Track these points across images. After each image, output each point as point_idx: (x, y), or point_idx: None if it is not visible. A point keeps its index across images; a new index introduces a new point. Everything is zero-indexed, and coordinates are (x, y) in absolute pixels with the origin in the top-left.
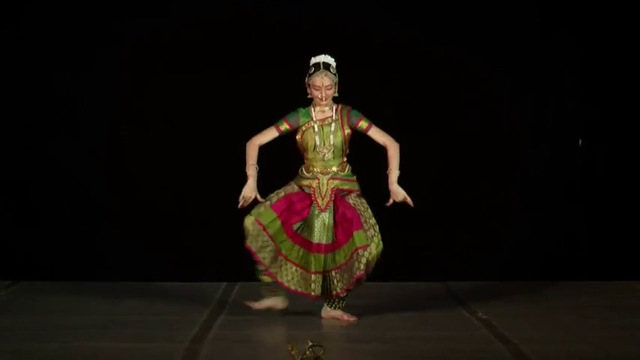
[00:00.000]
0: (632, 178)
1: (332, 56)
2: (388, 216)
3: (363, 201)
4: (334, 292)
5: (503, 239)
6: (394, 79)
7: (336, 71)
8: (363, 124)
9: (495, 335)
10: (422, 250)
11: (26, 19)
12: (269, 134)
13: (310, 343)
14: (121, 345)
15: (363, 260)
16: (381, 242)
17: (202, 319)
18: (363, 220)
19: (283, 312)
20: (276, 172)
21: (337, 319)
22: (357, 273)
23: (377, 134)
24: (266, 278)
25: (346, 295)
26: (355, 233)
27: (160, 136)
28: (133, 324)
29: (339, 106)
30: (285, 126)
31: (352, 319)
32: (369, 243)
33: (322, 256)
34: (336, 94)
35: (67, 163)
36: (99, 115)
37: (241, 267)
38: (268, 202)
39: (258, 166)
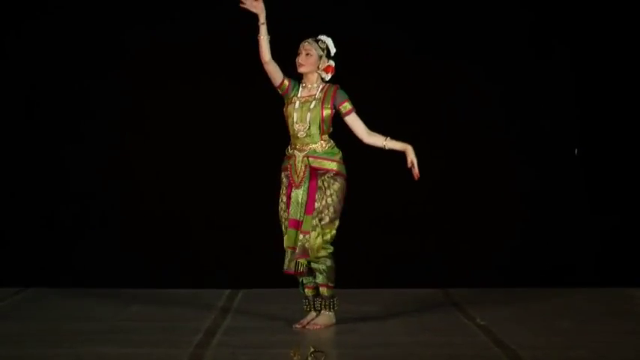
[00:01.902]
0: (626, 186)
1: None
2: (389, 223)
3: (336, 186)
4: (303, 270)
5: (502, 246)
6: (392, 87)
7: (328, 51)
8: (346, 105)
9: (494, 341)
10: (421, 257)
11: (32, 28)
12: (277, 72)
13: (312, 349)
14: (127, 350)
15: (300, 245)
16: (326, 234)
17: (206, 325)
18: (317, 206)
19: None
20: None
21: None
22: (296, 255)
23: (355, 122)
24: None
25: (333, 297)
26: (305, 217)
27: (165, 144)
28: (138, 330)
29: (327, 85)
30: (287, 83)
31: (317, 327)
32: (310, 230)
33: (295, 232)
34: (320, 72)
35: (74, 172)
36: (106, 124)
37: (244, 274)
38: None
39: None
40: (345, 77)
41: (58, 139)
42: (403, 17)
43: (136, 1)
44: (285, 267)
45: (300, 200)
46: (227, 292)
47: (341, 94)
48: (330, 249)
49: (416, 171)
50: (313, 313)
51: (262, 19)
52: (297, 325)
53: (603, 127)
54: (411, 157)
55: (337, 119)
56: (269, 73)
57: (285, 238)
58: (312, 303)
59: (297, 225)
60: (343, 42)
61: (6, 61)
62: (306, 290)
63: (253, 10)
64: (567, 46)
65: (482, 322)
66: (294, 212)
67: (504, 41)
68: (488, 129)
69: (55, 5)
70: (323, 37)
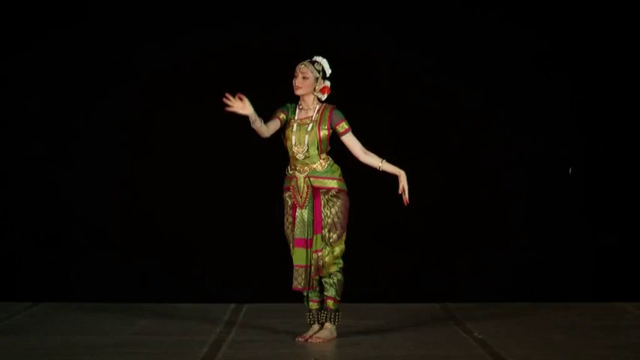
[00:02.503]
0: (619, 202)
1: (332, 79)
2: (389, 241)
3: (339, 203)
4: (312, 287)
5: (498, 263)
6: (390, 105)
7: (324, 72)
8: (343, 125)
9: (491, 354)
10: (420, 273)
11: (39, 49)
12: (273, 124)
13: None
14: None
15: (314, 263)
16: (335, 251)
17: (212, 338)
18: (323, 225)
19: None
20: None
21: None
22: (312, 274)
23: (352, 141)
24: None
25: (338, 311)
26: (314, 236)
27: (172, 162)
28: (146, 343)
29: (322, 106)
30: (282, 115)
31: (319, 340)
32: (321, 249)
33: (304, 250)
34: (317, 93)
35: (83, 192)
36: (112, 143)
37: (249, 288)
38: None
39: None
40: (342, 96)
41: (67, 159)
42: (401, 37)
43: (139, 22)
44: (296, 284)
45: (306, 220)
46: (232, 306)
47: (337, 115)
48: (341, 263)
49: (406, 197)
50: (316, 327)
51: (253, 116)
52: (300, 339)
53: (602, 145)
54: (403, 183)
55: (335, 137)
56: (272, 132)
57: (294, 257)
58: (315, 316)
59: (305, 244)
60: (340, 61)
61: (16, 79)
62: (310, 304)
63: (242, 112)
64: (564, 67)
65: (479, 336)
66: (301, 232)
67: (503, 61)
68: (487, 147)
69: (63, 25)
70: (318, 59)
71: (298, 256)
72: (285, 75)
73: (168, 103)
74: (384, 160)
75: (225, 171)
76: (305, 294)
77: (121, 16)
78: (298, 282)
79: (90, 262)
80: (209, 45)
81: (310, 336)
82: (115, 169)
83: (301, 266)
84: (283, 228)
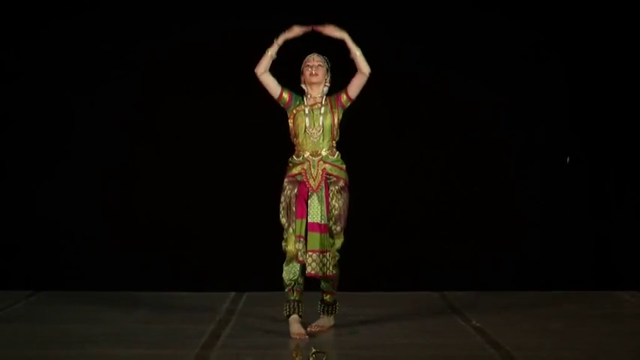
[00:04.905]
0: (614, 193)
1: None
2: (388, 230)
3: (345, 197)
4: (327, 273)
5: (496, 252)
6: (392, 97)
7: (330, 66)
8: (342, 92)
9: (489, 342)
10: (419, 262)
11: (40, 43)
12: (274, 84)
13: (314, 350)
14: (135, 352)
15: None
16: (337, 242)
17: (212, 327)
18: (330, 216)
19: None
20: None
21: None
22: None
23: (352, 82)
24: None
25: (335, 303)
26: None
27: (172, 152)
28: (146, 332)
29: (327, 97)
30: (286, 95)
31: (318, 329)
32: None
33: (318, 235)
34: (328, 85)
35: (83, 181)
36: (113, 134)
37: (248, 278)
38: (291, 230)
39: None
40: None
41: (69, 150)
42: (404, 31)
43: (137, 15)
44: (309, 270)
45: (319, 202)
46: (231, 295)
47: (337, 94)
48: (338, 256)
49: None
50: (296, 321)
51: (275, 49)
52: (297, 336)
53: (600, 136)
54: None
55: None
56: (265, 85)
57: (311, 242)
58: (296, 307)
59: (320, 228)
60: (344, 54)
61: (17, 73)
62: (295, 294)
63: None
64: (563, 62)
65: (477, 324)
66: (314, 215)
67: (503, 56)
68: (484, 136)
69: (61, 17)
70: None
71: (313, 241)
72: (287, 67)
73: (167, 93)
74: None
75: (225, 160)
76: (291, 282)
77: (116, 12)
78: (312, 267)
79: (89, 251)
80: (205, 38)
81: (298, 334)
82: (114, 159)
83: (315, 251)
84: (279, 216)
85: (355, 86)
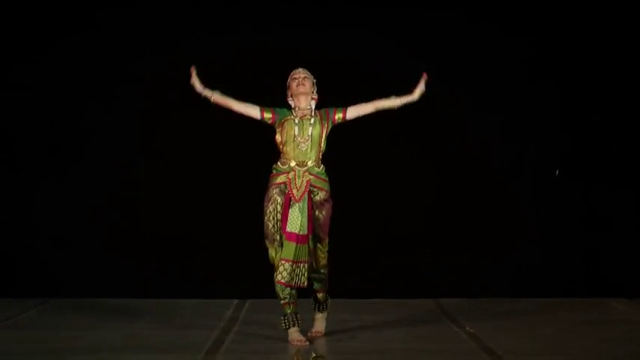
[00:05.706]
0: (606, 202)
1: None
2: (385, 239)
3: (327, 207)
4: (299, 284)
5: (489, 260)
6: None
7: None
8: (338, 108)
9: (482, 348)
10: (415, 270)
11: (47, 59)
12: (250, 109)
13: (314, 355)
14: (141, 357)
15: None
16: (323, 251)
17: (216, 333)
18: (314, 226)
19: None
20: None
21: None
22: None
23: (355, 107)
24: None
25: (327, 300)
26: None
27: (174, 164)
28: (152, 337)
29: (316, 111)
30: (269, 114)
31: (319, 334)
32: (316, 249)
33: (294, 245)
34: (315, 97)
35: (91, 192)
36: (120, 146)
37: (251, 285)
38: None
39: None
40: (342, 101)
41: (76, 162)
42: (400, 45)
43: (141, 30)
44: (279, 278)
45: (300, 213)
46: (235, 302)
47: (329, 109)
48: (326, 257)
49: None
50: (295, 331)
51: (199, 88)
52: (296, 342)
53: (590, 149)
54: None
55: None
56: (244, 113)
57: (286, 251)
58: (295, 319)
59: (297, 239)
60: (340, 66)
61: (26, 88)
62: (292, 307)
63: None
64: (554, 77)
65: (471, 330)
66: (293, 225)
67: (498, 71)
68: (482, 148)
69: (69, 32)
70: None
71: (288, 250)
72: (276, 81)
73: (168, 106)
74: (393, 96)
75: (228, 170)
76: (286, 296)
77: (121, 27)
78: (283, 276)
79: (94, 259)
80: (207, 53)
81: (299, 340)
82: (118, 167)
83: (288, 260)
84: (263, 227)
85: (360, 112)
